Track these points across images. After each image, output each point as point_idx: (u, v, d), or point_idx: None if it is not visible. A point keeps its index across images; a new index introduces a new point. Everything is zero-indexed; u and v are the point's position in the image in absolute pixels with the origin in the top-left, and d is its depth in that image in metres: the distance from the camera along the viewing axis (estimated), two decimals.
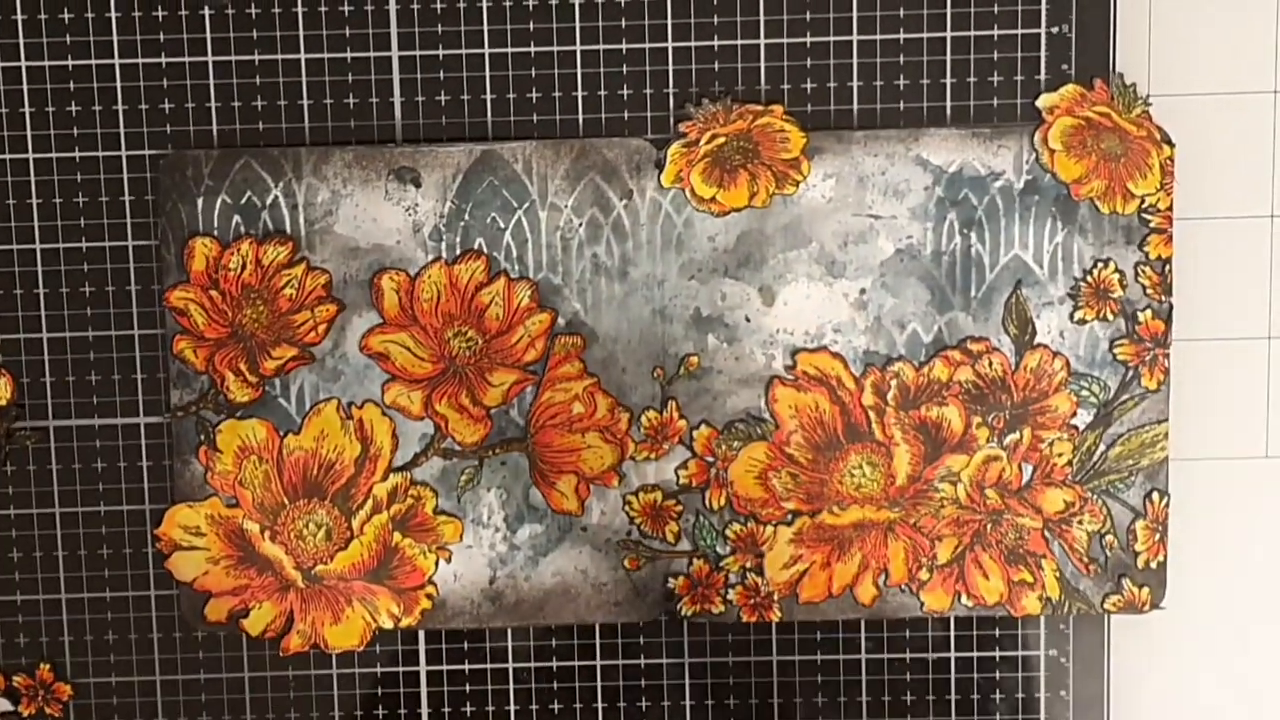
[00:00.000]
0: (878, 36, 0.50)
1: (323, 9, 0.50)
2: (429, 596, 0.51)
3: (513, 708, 0.53)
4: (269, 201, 0.50)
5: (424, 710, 0.53)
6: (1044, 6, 0.50)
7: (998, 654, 0.52)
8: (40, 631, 0.52)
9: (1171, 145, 0.50)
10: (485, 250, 0.50)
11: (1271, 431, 0.52)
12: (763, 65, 0.50)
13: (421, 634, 0.52)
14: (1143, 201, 0.50)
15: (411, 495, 0.51)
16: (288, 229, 0.50)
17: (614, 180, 0.50)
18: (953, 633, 0.52)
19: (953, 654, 0.52)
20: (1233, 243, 0.52)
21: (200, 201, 0.50)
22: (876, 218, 0.50)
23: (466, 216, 0.50)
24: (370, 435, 0.51)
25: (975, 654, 0.52)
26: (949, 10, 0.50)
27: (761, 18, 0.50)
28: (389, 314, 0.50)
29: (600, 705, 0.53)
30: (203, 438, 0.51)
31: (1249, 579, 0.53)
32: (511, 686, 0.53)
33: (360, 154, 0.50)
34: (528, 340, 0.51)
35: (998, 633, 0.52)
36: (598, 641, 0.52)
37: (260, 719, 0.52)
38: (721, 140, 0.50)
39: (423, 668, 0.52)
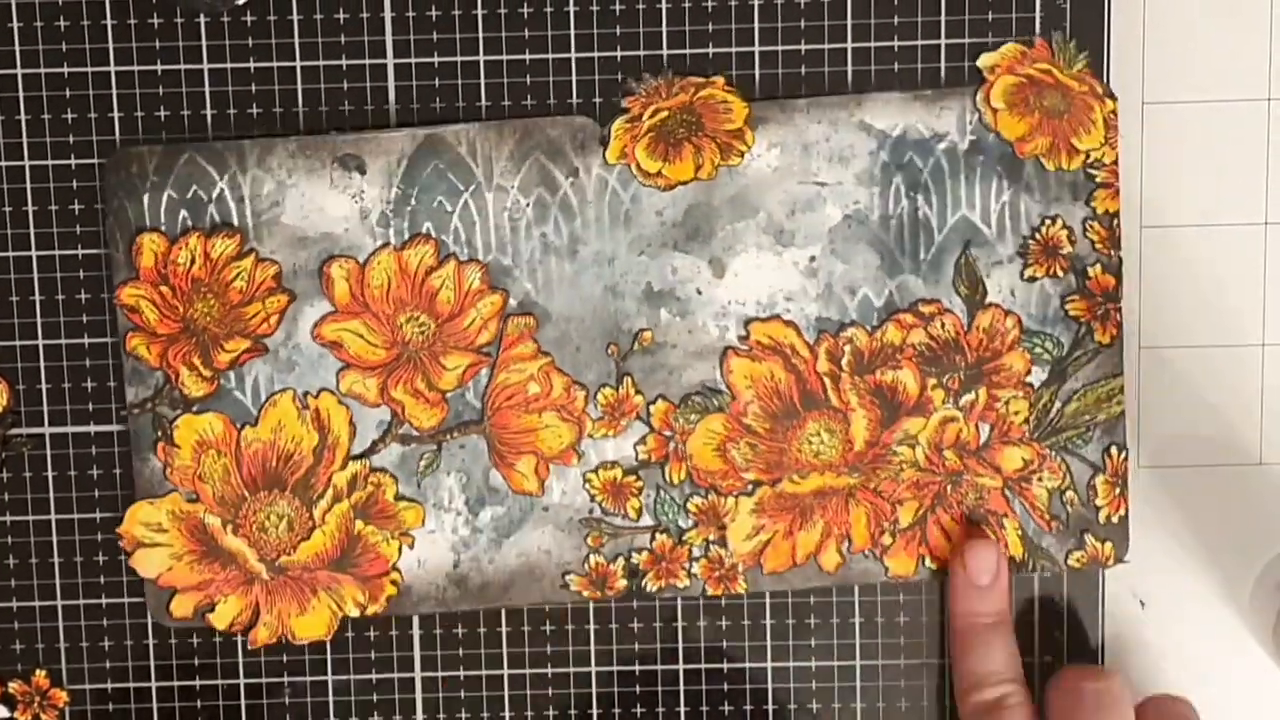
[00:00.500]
0: (872, 44, 0.50)
1: (319, 17, 0.50)
2: (394, 583, 0.51)
3: (507, 694, 0.53)
4: (215, 195, 0.50)
5: (418, 697, 0.53)
6: (1038, 14, 0.50)
7: None
8: (36, 638, 0.52)
9: (1114, 99, 0.50)
10: (433, 234, 0.50)
11: (1265, 438, 0.52)
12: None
13: (417, 629, 0.52)
14: (1088, 157, 0.50)
15: (371, 482, 0.51)
16: (235, 221, 0.50)
17: (559, 159, 0.50)
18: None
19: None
20: (1228, 249, 0.52)
21: (146, 198, 0.50)
22: (823, 185, 0.50)
23: (413, 201, 0.50)
24: (327, 424, 0.51)
25: None
26: (943, 18, 0.50)
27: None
28: (340, 302, 0.50)
29: (594, 691, 0.53)
30: (159, 434, 0.51)
31: (1245, 583, 0.53)
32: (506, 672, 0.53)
33: (303, 143, 0.50)
34: (480, 322, 0.51)
35: None
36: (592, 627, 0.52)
37: None
38: (664, 114, 0.50)
39: (418, 667, 0.52)
